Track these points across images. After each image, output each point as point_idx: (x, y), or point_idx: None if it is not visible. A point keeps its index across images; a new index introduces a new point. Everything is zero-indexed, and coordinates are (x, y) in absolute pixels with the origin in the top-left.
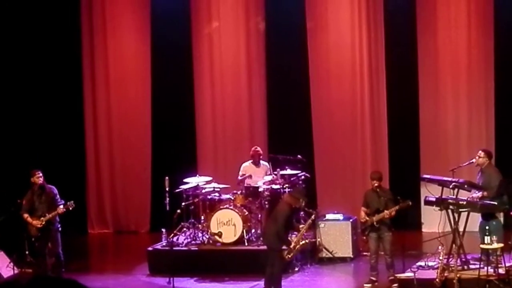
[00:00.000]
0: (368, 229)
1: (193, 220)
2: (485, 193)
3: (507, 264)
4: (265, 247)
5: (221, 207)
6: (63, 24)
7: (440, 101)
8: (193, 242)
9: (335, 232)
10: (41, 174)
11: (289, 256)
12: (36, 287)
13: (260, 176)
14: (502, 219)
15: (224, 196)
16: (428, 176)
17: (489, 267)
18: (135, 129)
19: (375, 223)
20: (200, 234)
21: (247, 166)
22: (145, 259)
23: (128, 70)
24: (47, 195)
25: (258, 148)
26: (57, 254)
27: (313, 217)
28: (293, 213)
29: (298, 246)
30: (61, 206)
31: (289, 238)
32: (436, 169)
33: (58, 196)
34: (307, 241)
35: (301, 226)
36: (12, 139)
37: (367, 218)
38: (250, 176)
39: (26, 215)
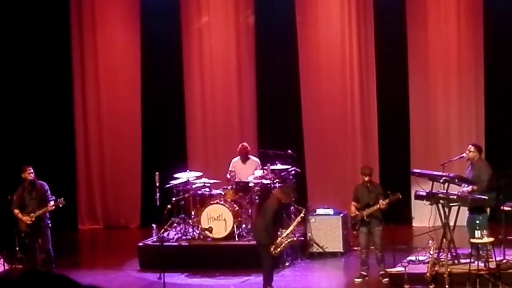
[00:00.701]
0: (358, 224)
1: (183, 216)
2: (475, 187)
3: (497, 258)
4: (255, 242)
5: (212, 202)
6: (53, 21)
7: (430, 95)
8: (183, 237)
9: (326, 227)
10: (32, 170)
11: (276, 252)
12: (26, 282)
13: (249, 172)
14: (488, 213)
15: (214, 191)
16: (418, 171)
17: (479, 262)
18: (125, 124)
19: (365, 217)
20: (190, 229)
21: (236, 162)
22: (136, 255)
23: (117, 66)
24: (37, 191)
25: (246, 144)
26: (47, 250)
27: (302, 214)
28: (282, 208)
29: (285, 243)
30: (51, 203)
31: (278, 234)
32: (427, 163)
33: (49, 192)
34: (294, 238)
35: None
36: (1, 136)
37: (357, 213)
38: (238, 177)
39: (16, 211)
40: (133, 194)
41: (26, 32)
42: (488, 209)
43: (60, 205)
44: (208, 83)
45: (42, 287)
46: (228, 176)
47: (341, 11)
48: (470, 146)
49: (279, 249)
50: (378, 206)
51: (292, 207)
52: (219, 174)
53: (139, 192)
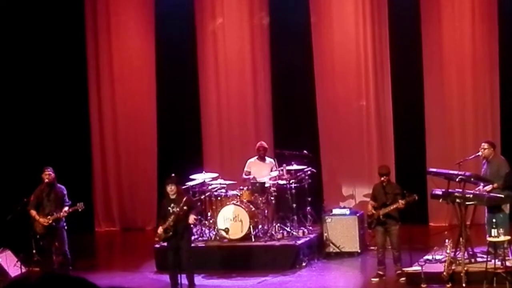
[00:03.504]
0: (374, 223)
1: (199, 217)
2: (495, 185)
3: None
4: (271, 243)
5: (228, 203)
6: (68, 22)
7: (445, 94)
8: (200, 238)
9: (342, 227)
10: (50, 172)
11: (157, 240)
12: (46, 285)
13: (265, 172)
14: (508, 211)
15: (230, 192)
16: (434, 170)
17: (496, 260)
18: (141, 126)
19: (381, 216)
20: (207, 231)
21: (252, 162)
22: (152, 256)
23: (132, 68)
24: (55, 194)
25: (263, 143)
26: (64, 252)
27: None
28: (164, 205)
29: (160, 231)
30: (66, 208)
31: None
32: (442, 162)
33: (66, 197)
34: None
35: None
36: (18, 138)
37: (374, 212)
38: (254, 178)
39: (33, 212)
40: (150, 196)
41: (41, 35)
42: (508, 208)
43: (79, 210)
44: (223, 84)
45: None
46: (244, 176)
47: (355, 12)
48: (483, 144)
49: (157, 238)
50: (396, 205)
51: (308, 208)
52: (235, 175)
53: (155, 193)
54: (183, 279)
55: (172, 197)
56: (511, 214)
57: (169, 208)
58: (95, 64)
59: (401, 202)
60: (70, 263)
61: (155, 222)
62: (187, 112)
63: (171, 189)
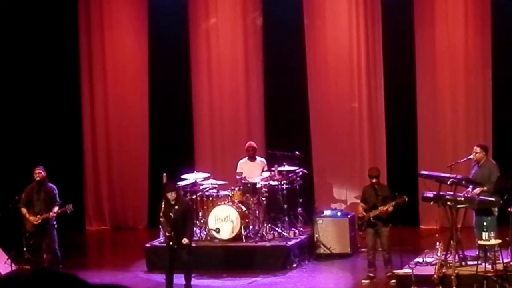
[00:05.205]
0: (365, 225)
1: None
2: (485, 188)
3: (505, 260)
4: (262, 243)
5: (219, 203)
6: (61, 20)
7: (438, 96)
8: None
9: (333, 228)
10: (40, 171)
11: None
12: (36, 281)
13: (256, 172)
14: (496, 214)
15: (222, 193)
16: (425, 172)
17: (487, 263)
18: (133, 125)
19: (371, 218)
20: (198, 231)
21: (243, 163)
22: (143, 256)
23: (125, 66)
24: (46, 193)
25: (252, 142)
26: (53, 251)
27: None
28: (165, 209)
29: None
30: (55, 209)
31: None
32: (434, 165)
33: (57, 196)
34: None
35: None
36: (10, 136)
37: (364, 214)
38: (245, 179)
39: (24, 210)
40: (141, 195)
41: (34, 32)
42: (496, 211)
43: (68, 211)
44: (216, 84)
45: (53, 286)
46: (238, 177)
47: (348, 13)
48: (475, 147)
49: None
50: (384, 209)
51: (299, 208)
52: (227, 175)
53: (146, 193)
54: (181, 279)
55: (172, 202)
56: (499, 217)
57: (170, 214)
58: (88, 62)
59: (385, 208)
60: (60, 261)
61: (146, 221)
62: (179, 111)
63: (171, 195)
